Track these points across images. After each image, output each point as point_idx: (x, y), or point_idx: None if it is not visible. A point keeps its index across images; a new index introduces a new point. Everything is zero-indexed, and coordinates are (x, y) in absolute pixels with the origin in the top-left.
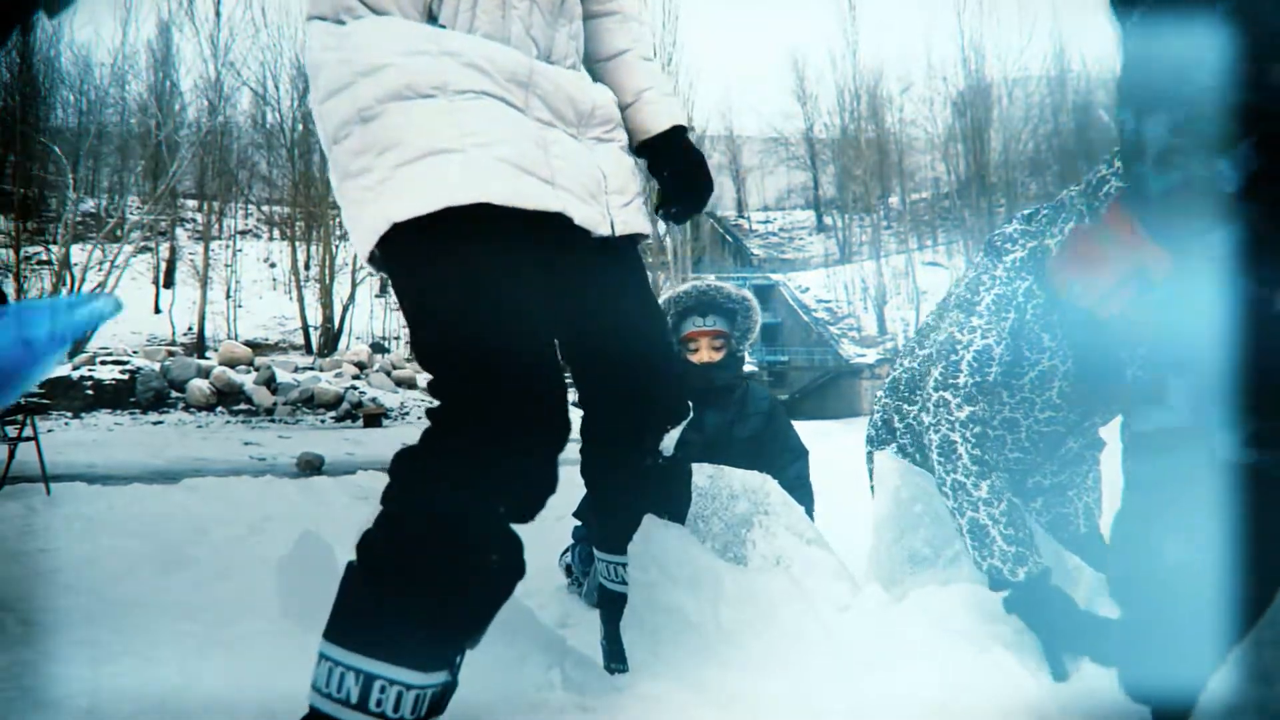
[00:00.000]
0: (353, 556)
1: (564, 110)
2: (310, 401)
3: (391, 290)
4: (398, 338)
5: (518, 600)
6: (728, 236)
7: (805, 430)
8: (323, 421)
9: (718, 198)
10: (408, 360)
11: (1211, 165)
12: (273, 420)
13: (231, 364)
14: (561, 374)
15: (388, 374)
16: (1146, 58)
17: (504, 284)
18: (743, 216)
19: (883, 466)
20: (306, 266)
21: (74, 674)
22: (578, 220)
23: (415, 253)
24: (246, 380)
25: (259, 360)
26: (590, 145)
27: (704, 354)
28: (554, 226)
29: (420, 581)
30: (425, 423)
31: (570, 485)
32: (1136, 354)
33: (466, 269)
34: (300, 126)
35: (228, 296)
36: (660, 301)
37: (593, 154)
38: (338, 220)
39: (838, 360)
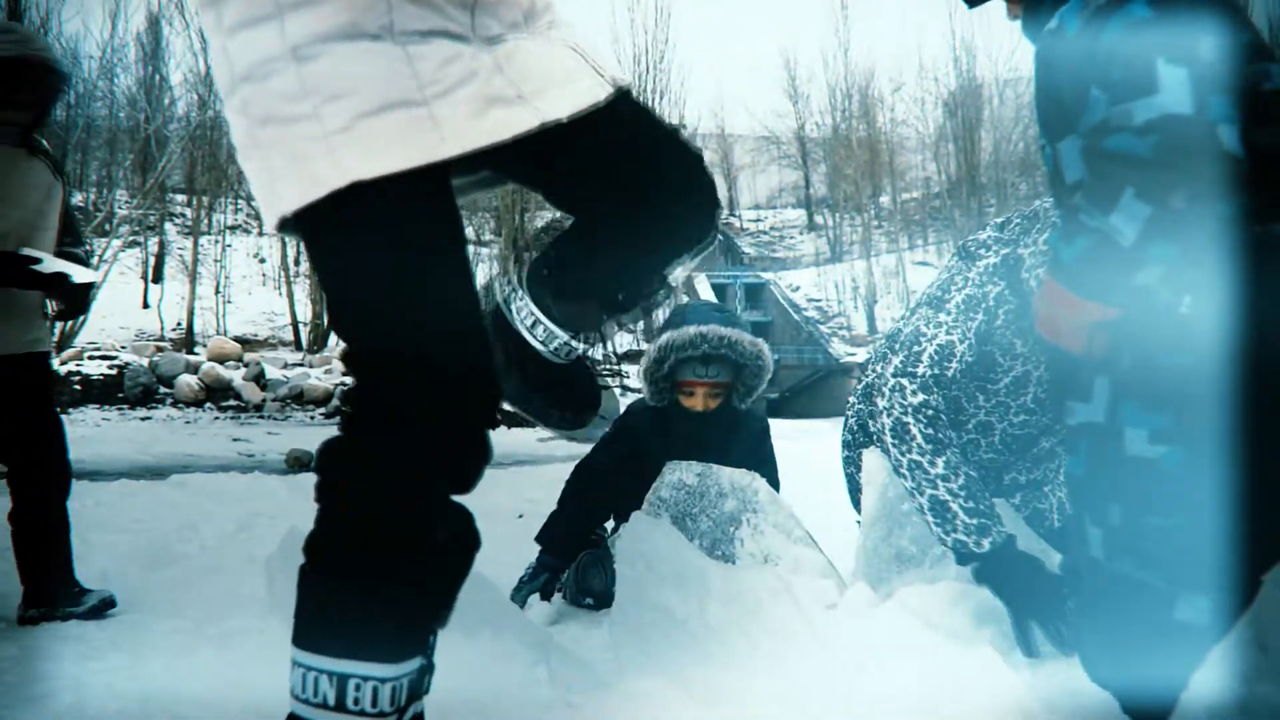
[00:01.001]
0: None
1: (511, 15)
2: (300, 398)
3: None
4: None
5: (504, 597)
6: (718, 234)
7: (795, 428)
8: (312, 418)
9: None
10: None
11: (1105, 222)
12: (262, 416)
13: (220, 360)
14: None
15: None
16: (1054, 86)
17: (444, 254)
18: (734, 214)
19: (870, 465)
20: (296, 262)
21: (60, 670)
22: (566, 115)
23: (356, 219)
24: (235, 376)
25: (248, 356)
26: (545, 36)
27: (699, 402)
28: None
29: (373, 573)
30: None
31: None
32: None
33: (416, 241)
34: None
35: (217, 292)
36: (659, 341)
37: (550, 42)
38: None
39: (828, 359)
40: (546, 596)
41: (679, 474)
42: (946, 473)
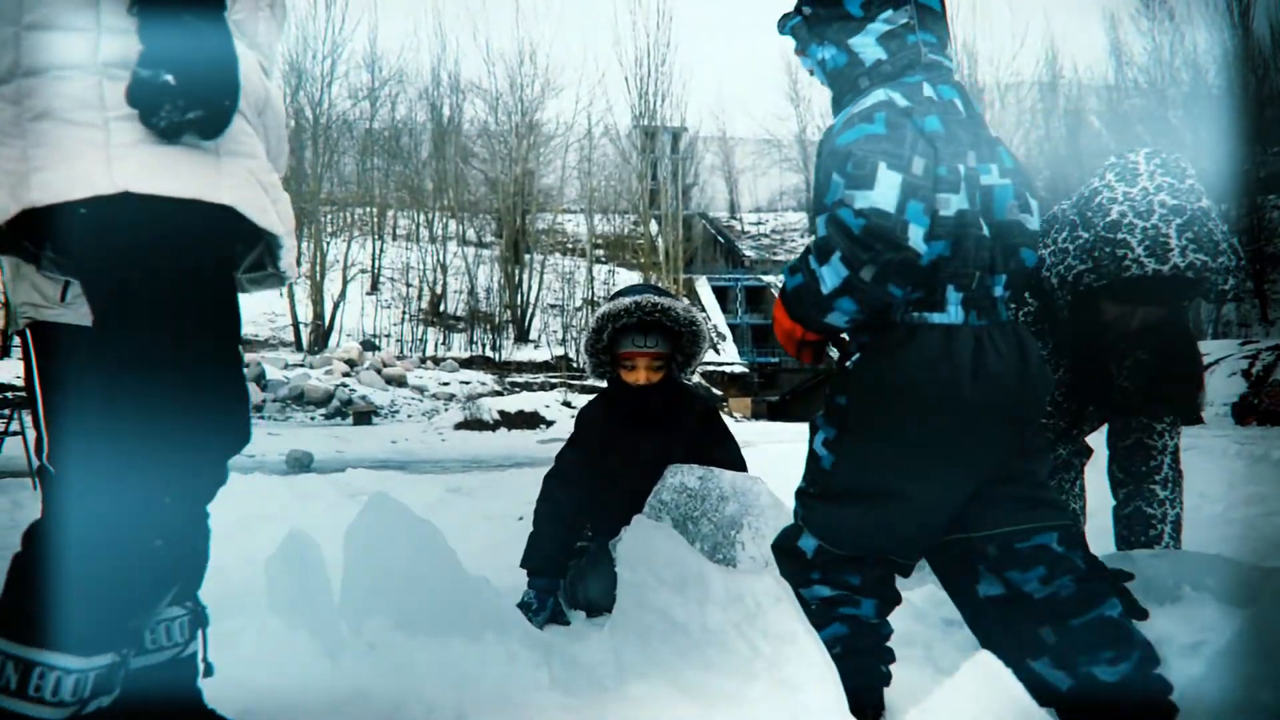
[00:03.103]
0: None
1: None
2: (300, 399)
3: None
4: (388, 335)
5: (506, 600)
6: (719, 237)
7: (794, 432)
8: (312, 419)
9: (710, 199)
10: (399, 358)
11: (818, 269)
12: (262, 417)
13: None
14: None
15: (378, 372)
16: (819, 169)
17: (200, 284)
18: (735, 218)
19: None
20: (297, 263)
21: None
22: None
23: (119, 226)
24: None
25: (249, 357)
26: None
27: (640, 375)
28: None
29: (75, 568)
30: (414, 421)
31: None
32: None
33: (171, 263)
34: (291, 122)
35: None
36: (598, 313)
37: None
38: (329, 217)
39: (828, 363)
40: (558, 619)
41: (681, 478)
42: None
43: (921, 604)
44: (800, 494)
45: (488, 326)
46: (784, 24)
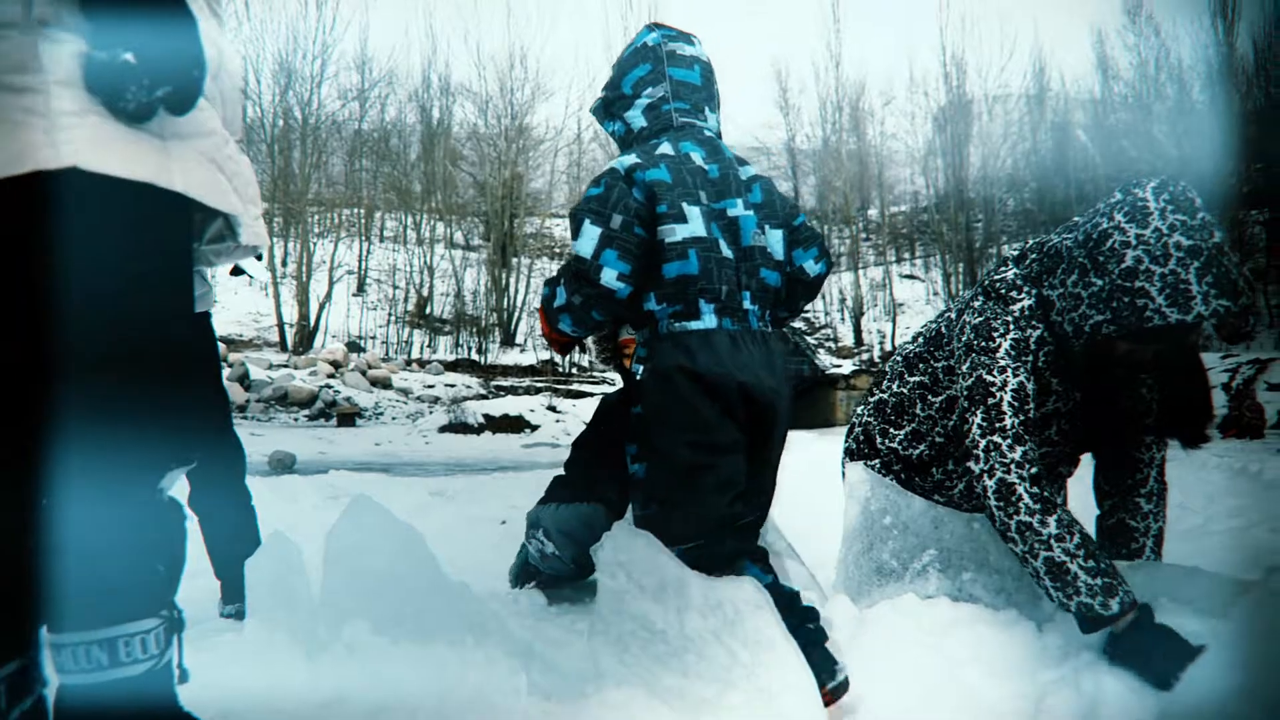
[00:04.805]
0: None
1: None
2: (284, 399)
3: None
4: (374, 337)
5: (485, 604)
6: None
7: (792, 434)
8: (296, 420)
9: None
10: (384, 360)
11: (557, 286)
12: (245, 417)
13: None
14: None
15: (363, 373)
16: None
17: (157, 268)
18: None
19: (854, 478)
20: (283, 263)
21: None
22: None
23: (69, 204)
24: None
25: (233, 357)
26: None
27: None
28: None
29: None
30: (399, 423)
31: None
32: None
33: (131, 244)
34: (280, 122)
35: None
36: None
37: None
38: (316, 218)
39: (814, 370)
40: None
41: None
42: (1060, 531)
43: (903, 618)
44: (639, 521)
45: (474, 330)
46: (594, 107)
